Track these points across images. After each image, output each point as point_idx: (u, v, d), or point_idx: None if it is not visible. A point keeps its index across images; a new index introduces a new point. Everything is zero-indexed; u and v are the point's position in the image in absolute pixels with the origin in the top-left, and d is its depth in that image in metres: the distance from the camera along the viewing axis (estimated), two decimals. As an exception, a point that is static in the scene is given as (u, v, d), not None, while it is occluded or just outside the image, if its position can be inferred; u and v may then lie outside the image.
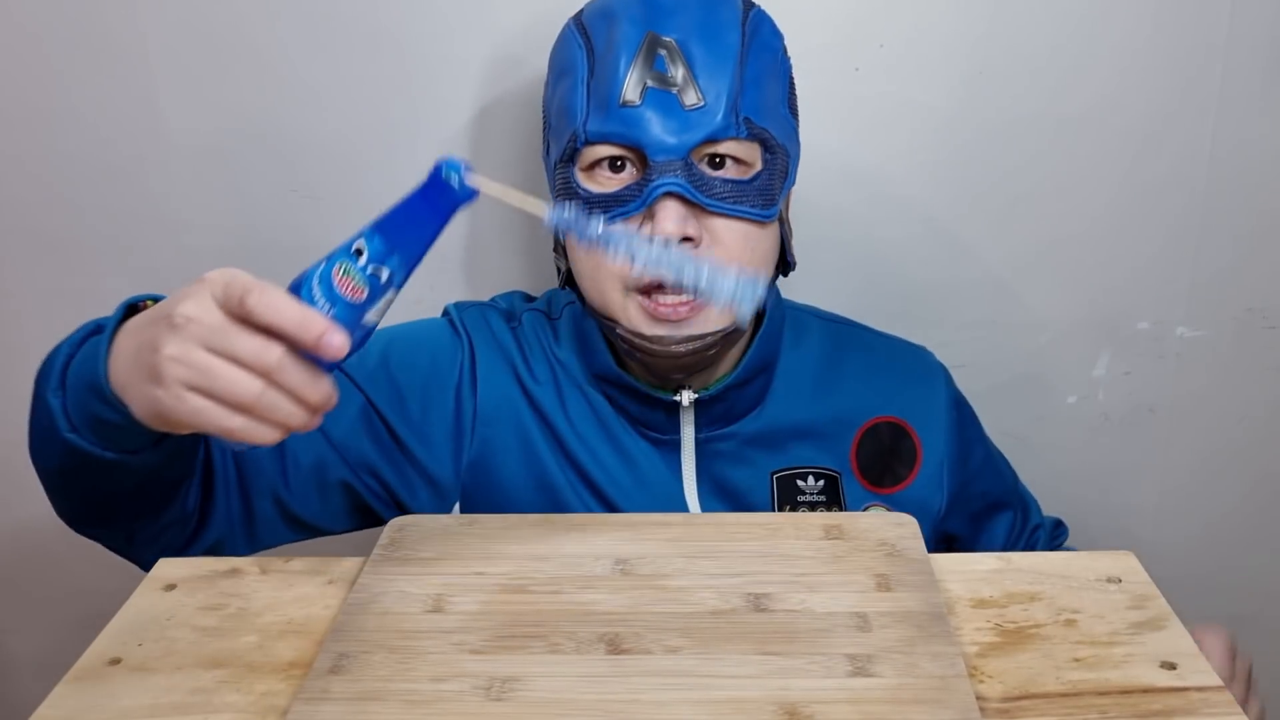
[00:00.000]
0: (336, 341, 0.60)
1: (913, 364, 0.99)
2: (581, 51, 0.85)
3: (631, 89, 0.81)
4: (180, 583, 0.72)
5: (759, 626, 0.64)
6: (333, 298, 0.62)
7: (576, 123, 0.83)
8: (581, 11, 0.89)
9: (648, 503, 0.90)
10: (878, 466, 0.94)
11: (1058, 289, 1.17)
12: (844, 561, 0.70)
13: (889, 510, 0.92)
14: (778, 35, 0.90)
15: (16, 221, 1.18)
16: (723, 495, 0.91)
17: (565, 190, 0.85)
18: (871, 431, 0.94)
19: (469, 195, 0.64)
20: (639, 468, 0.91)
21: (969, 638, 0.64)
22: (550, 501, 0.91)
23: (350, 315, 0.62)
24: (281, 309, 0.60)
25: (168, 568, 0.73)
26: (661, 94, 0.81)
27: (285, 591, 0.71)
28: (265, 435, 0.62)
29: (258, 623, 0.67)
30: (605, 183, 0.83)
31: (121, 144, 1.15)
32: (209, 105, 1.13)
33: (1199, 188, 1.14)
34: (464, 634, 0.64)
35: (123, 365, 0.66)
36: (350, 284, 0.62)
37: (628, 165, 0.83)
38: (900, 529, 0.74)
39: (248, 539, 0.88)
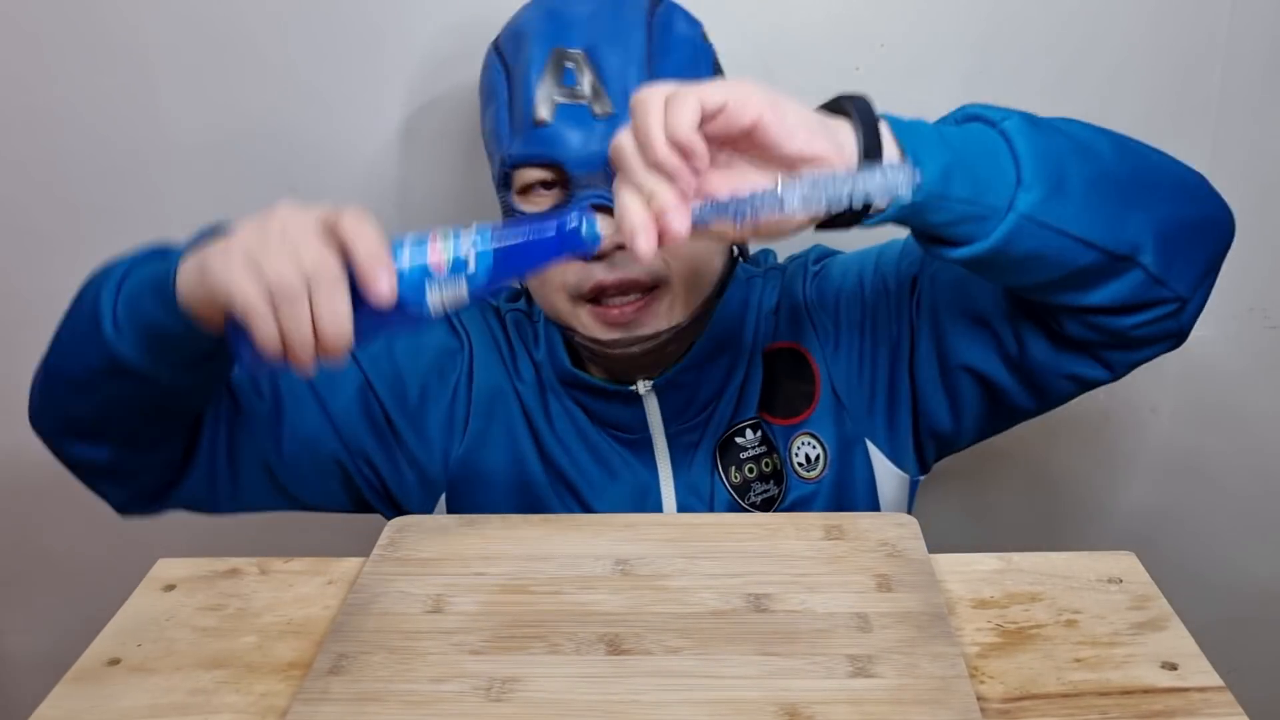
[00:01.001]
0: (384, 285, 0.60)
1: (783, 278, 0.96)
2: (501, 75, 0.86)
3: (543, 107, 0.81)
4: (180, 583, 0.72)
5: (759, 627, 0.64)
6: (416, 254, 0.62)
7: (502, 148, 0.84)
8: (500, 35, 0.90)
9: (625, 506, 0.90)
10: (780, 398, 0.92)
11: (1058, 289, 1.17)
12: (844, 562, 0.70)
13: (814, 438, 0.91)
14: (693, 24, 0.89)
15: (17, 221, 1.18)
16: (696, 492, 0.91)
17: (507, 213, 0.86)
18: (755, 370, 0.92)
19: (587, 248, 0.66)
20: (616, 471, 0.91)
21: (970, 638, 0.64)
22: (529, 501, 0.91)
23: (417, 278, 0.62)
24: (362, 233, 0.61)
25: (167, 568, 0.73)
26: (572, 108, 0.81)
27: (285, 592, 0.71)
28: (269, 335, 0.62)
29: (257, 623, 0.67)
30: (540, 202, 0.84)
31: (121, 144, 1.15)
32: (209, 105, 1.13)
33: (1199, 188, 1.14)
34: (464, 634, 0.64)
35: (196, 254, 0.67)
36: (437, 249, 0.62)
37: (556, 186, 0.83)
38: (901, 529, 0.74)
39: (231, 500, 0.89)
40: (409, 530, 0.75)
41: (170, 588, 0.71)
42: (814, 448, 0.91)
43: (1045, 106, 1.11)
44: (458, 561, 0.71)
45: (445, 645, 0.63)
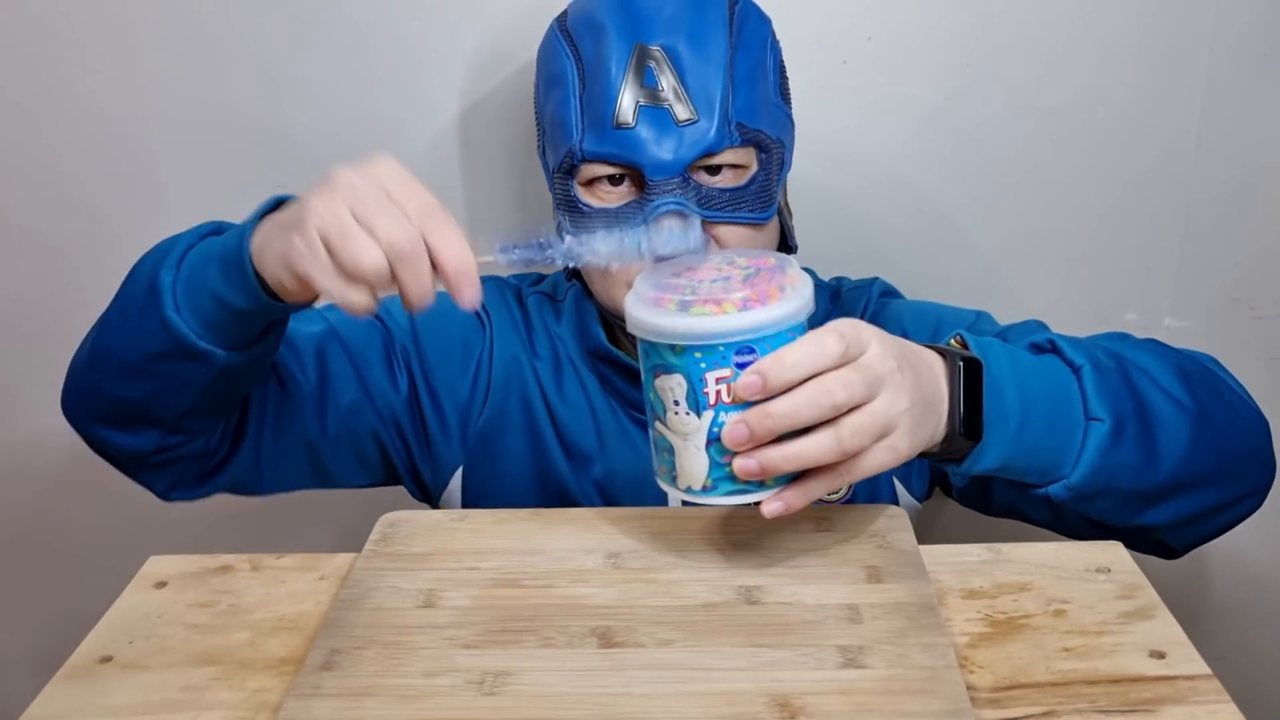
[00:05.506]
0: (469, 296, 0.62)
1: (838, 298, 0.97)
2: (570, 61, 0.86)
3: (625, 109, 0.82)
4: (171, 580, 0.72)
5: (751, 619, 0.64)
6: None
7: (572, 140, 0.84)
8: (565, 16, 0.89)
9: (634, 483, 0.91)
10: None
11: (1045, 280, 1.18)
12: (835, 553, 0.71)
13: None
14: (765, 22, 0.90)
15: (15, 221, 1.17)
16: None
17: (566, 201, 0.86)
18: None
19: None
20: (625, 447, 0.91)
21: (959, 628, 0.65)
22: (543, 475, 0.92)
23: None
24: (452, 247, 0.62)
25: (159, 565, 0.73)
26: (654, 111, 0.81)
27: (277, 588, 0.71)
28: (361, 304, 0.63)
29: (249, 619, 0.67)
30: (605, 197, 0.85)
31: (118, 144, 1.14)
32: (205, 105, 1.13)
33: (1185, 178, 1.14)
34: (456, 629, 0.64)
35: (266, 230, 0.68)
36: None
37: (626, 180, 0.84)
38: (890, 520, 0.74)
39: (273, 480, 0.89)
40: (400, 525, 0.75)
41: (162, 585, 0.71)
42: None
43: (1031, 97, 1.12)
44: (449, 556, 0.71)
45: (437, 639, 0.63)
